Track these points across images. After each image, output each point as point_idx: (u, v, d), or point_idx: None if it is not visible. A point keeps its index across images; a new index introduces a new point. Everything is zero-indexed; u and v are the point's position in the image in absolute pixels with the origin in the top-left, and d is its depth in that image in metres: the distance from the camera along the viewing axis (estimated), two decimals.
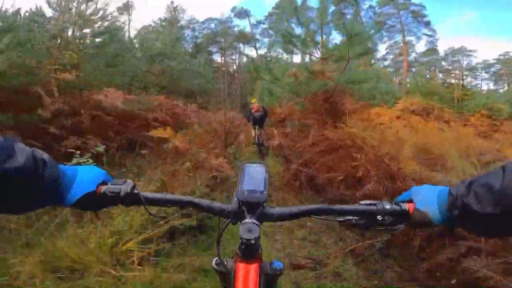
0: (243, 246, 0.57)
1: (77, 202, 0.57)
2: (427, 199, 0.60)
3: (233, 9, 42.08)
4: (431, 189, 0.62)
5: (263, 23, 41.84)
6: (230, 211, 0.62)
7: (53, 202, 0.57)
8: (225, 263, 0.65)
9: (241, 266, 0.58)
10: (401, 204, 0.63)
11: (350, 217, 0.64)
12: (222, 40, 41.43)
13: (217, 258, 0.65)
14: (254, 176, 0.65)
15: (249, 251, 0.58)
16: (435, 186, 0.63)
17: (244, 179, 0.64)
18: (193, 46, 36.97)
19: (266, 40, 41.25)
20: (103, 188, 0.61)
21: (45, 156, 0.53)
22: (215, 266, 0.66)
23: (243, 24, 47.05)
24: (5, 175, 0.45)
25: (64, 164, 0.61)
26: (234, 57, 43.86)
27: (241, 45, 43.01)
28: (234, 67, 44.12)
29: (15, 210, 0.56)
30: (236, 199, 0.61)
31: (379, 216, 0.61)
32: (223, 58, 42.37)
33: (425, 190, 0.62)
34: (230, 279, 0.60)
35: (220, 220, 0.66)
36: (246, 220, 0.58)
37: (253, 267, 0.58)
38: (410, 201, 0.63)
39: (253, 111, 7.56)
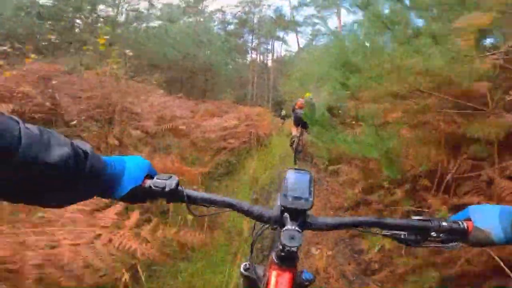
0: (282, 254, 0.58)
1: (125, 196, 0.60)
2: (488, 218, 0.62)
3: None
4: (491, 208, 0.64)
5: (308, 5, 39.62)
6: (271, 217, 0.64)
7: (100, 195, 0.59)
8: (256, 268, 0.71)
9: (276, 274, 0.61)
10: (460, 221, 0.64)
11: (399, 232, 0.64)
12: (254, 22, 39.68)
13: (246, 263, 0.72)
14: (299, 182, 0.66)
15: (288, 259, 0.62)
16: (495, 205, 0.65)
17: (288, 184, 0.65)
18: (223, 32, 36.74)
19: (309, 29, 39.08)
20: (149, 182, 0.63)
21: (88, 147, 0.54)
22: (243, 271, 0.72)
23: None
24: (42, 169, 0.45)
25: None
26: (269, 45, 42.84)
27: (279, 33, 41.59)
28: (269, 57, 43.24)
29: (58, 201, 0.55)
30: (279, 204, 0.63)
31: (434, 233, 0.63)
32: (253, 44, 41.26)
33: (485, 209, 0.64)
34: (258, 285, 0.68)
35: (255, 225, 0.69)
36: (288, 227, 0.58)
37: (288, 276, 0.61)
38: (468, 219, 0.65)
39: (296, 107, 6.60)
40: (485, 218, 0.62)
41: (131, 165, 0.63)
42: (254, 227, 0.69)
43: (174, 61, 10.76)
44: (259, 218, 0.65)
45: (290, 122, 7.15)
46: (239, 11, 39.27)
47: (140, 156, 0.68)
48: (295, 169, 0.71)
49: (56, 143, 0.48)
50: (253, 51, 41.58)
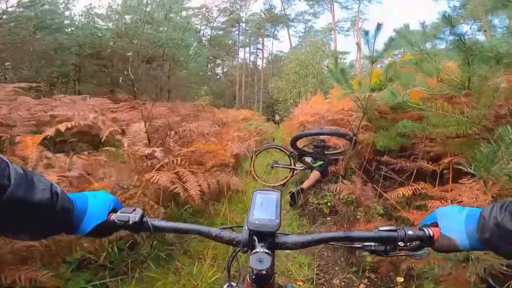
0: (253, 277, 0.58)
1: (90, 232, 0.64)
2: (453, 223, 0.63)
3: None
4: (457, 212, 0.64)
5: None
6: (240, 241, 0.64)
7: (67, 232, 0.63)
8: None
9: None
10: (425, 229, 0.66)
11: (370, 243, 0.66)
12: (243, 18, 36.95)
13: (227, 284, 0.71)
14: (266, 203, 0.68)
15: (260, 282, 0.60)
16: (462, 207, 0.65)
17: (255, 206, 0.67)
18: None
19: (300, 27, 36.81)
20: (113, 216, 0.67)
21: (59, 189, 0.59)
22: None
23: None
24: (26, 205, 0.51)
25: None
26: (259, 44, 39.90)
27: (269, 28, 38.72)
28: (260, 56, 40.37)
29: (32, 236, 0.59)
30: (246, 227, 0.63)
31: (401, 242, 0.64)
32: (239, 46, 38.37)
33: (451, 213, 0.65)
34: None
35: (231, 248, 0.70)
36: (257, 250, 0.60)
37: None
38: (435, 224, 0.66)
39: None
40: (450, 223, 0.63)
41: (95, 202, 0.66)
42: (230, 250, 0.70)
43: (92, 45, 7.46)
44: (229, 242, 0.67)
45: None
46: (227, 7, 36.29)
47: (104, 190, 0.71)
48: (262, 189, 0.73)
49: (39, 184, 0.54)
50: (241, 51, 38.64)
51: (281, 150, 4.86)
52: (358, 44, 32.28)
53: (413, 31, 2.41)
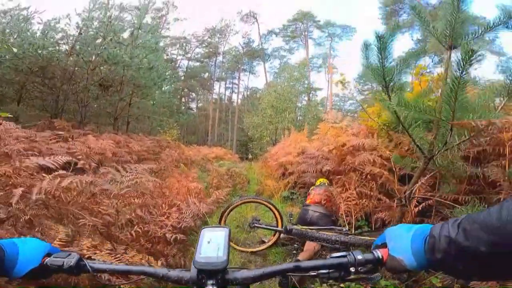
0: None
1: (24, 276, 0.67)
2: (401, 244, 0.63)
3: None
4: (405, 232, 0.64)
5: (277, 35, 38.35)
6: (189, 280, 0.66)
7: (2, 275, 0.66)
8: None
9: None
10: (374, 252, 0.68)
11: (325, 271, 0.67)
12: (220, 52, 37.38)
13: None
14: (214, 240, 0.69)
15: None
16: (410, 226, 0.65)
17: (202, 244, 0.68)
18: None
19: (276, 63, 37.76)
20: (47, 260, 0.69)
21: None
22: None
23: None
24: None
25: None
26: (235, 79, 40.09)
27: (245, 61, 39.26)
28: (236, 91, 40.38)
29: None
30: (193, 266, 0.65)
31: (352, 267, 0.66)
32: (215, 79, 38.35)
33: (399, 234, 0.65)
34: None
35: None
36: None
37: None
38: (385, 245, 0.68)
39: (306, 202, 3.82)
40: (398, 244, 0.64)
41: (26, 248, 0.69)
42: None
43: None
44: (177, 282, 0.67)
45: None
46: (205, 38, 36.67)
47: (37, 238, 0.74)
48: (211, 226, 0.75)
49: None
50: (217, 85, 38.58)
51: (264, 205, 3.70)
52: (329, 81, 33.63)
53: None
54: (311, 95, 29.21)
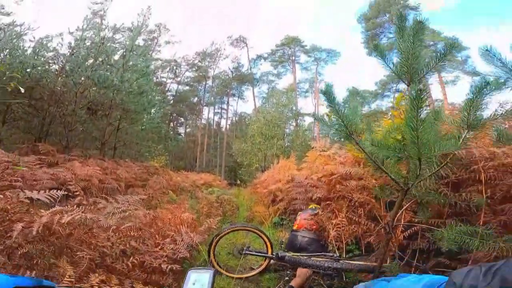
0: None
1: None
2: None
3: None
4: (413, 283, 0.57)
5: (265, 59, 39.44)
6: None
7: None
8: None
9: None
10: None
11: None
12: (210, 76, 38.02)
13: None
14: (198, 281, 0.73)
15: None
16: (420, 276, 0.58)
17: (188, 286, 0.72)
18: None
19: (264, 87, 38.62)
20: None
21: None
22: None
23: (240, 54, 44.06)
24: None
25: None
26: (224, 104, 40.59)
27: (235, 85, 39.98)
28: (224, 116, 40.75)
29: None
30: None
31: None
32: (204, 104, 38.78)
33: (406, 286, 0.59)
34: None
35: None
36: None
37: None
38: None
39: (294, 227, 3.90)
40: None
41: None
42: None
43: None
44: None
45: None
46: (195, 62, 37.38)
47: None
48: (197, 268, 0.79)
49: None
50: (206, 110, 38.92)
51: (254, 233, 3.73)
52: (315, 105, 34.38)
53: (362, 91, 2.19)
54: (298, 120, 29.78)
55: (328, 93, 1.93)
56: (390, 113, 4.34)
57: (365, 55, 32.92)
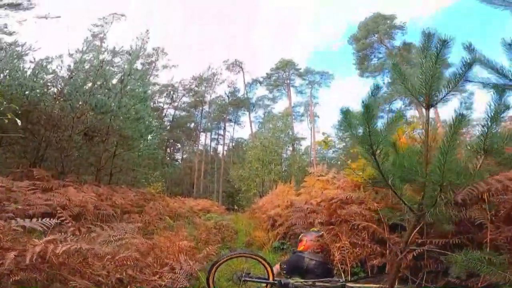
0: None
1: None
2: None
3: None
4: None
5: (261, 84, 40.06)
6: None
7: None
8: None
9: None
10: None
11: None
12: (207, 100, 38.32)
13: None
14: None
15: None
16: None
17: None
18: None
19: (260, 112, 39.01)
20: None
21: None
22: None
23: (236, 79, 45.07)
24: None
25: None
26: (221, 130, 40.79)
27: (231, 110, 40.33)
28: (221, 142, 40.85)
29: None
30: None
31: None
32: (202, 129, 38.95)
33: None
34: None
35: None
36: None
37: None
38: None
39: (299, 248, 3.80)
40: None
41: None
42: None
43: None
44: None
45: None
46: (192, 87, 37.89)
47: None
48: None
49: None
50: (202, 136, 39.06)
51: (254, 259, 3.61)
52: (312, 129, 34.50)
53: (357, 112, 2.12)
54: (295, 145, 29.92)
55: (346, 120, 1.87)
56: (407, 134, 4.38)
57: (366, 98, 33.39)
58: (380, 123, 1.96)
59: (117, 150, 8.86)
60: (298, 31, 58.56)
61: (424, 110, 1.94)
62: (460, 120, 1.46)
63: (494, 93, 1.59)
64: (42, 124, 6.83)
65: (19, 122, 4.96)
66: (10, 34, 8.03)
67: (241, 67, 39.65)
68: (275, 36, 58.69)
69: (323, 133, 10.88)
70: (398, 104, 28.81)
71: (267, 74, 39.01)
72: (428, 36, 1.88)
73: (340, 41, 57.73)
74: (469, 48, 1.99)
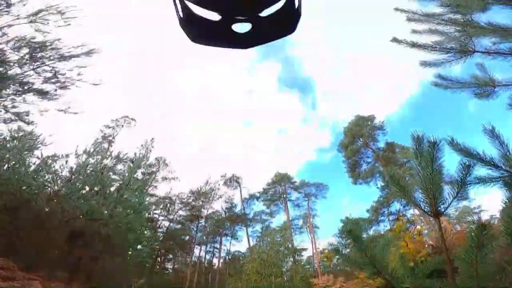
0: None
1: None
2: None
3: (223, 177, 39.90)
4: None
5: (258, 199, 39.95)
6: None
7: None
8: None
9: None
10: None
11: None
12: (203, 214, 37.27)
13: None
14: None
15: None
16: None
17: None
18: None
19: (258, 227, 38.09)
20: None
21: None
22: None
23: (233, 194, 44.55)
24: None
25: None
26: (217, 241, 38.77)
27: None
28: (217, 255, 38.38)
29: None
30: None
31: None
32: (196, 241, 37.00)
33: None
34: None
35: None
36: None
37: None
38: None
39: None
40: None
41: None
42: None
43: None
44: None
45: None
46: (189, 201, 37.59)
47: None
48: None
49: None
50: (197, 249, 36.98)
51: None
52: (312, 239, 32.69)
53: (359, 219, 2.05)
54: (296, 256, 28.17)
55: (353, 231, 1.80)
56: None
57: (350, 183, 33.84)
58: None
59: (102, 255, 8.35)
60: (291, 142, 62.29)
61: (435, 221, 1.89)
62: (484, 229, 1.46)
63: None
64: (29, 221, 6.68)
65: None
66: (29, 123, 8.46)
67: (238, 182, 40.41)
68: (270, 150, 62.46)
69: (323, 249, 10.57)
70: (397, 206, 28.47)
71: (263, 189, 39.65)
72: (417, 140, 1.87)
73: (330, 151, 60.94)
74: (453, 143, 1.99)
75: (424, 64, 3.78)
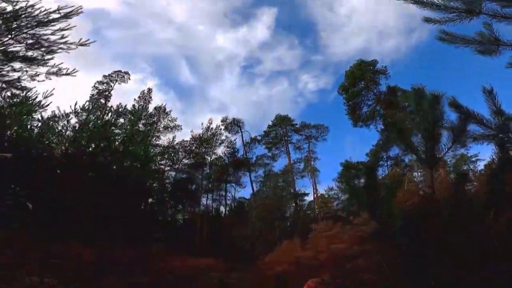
0: None
1: None
2: None
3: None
4: None
5: (259, 142, 40.17)
6: None
7: None
8: None
9: None
10: None
11: None
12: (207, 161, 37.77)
13: None
14: None
15: None
16: None
17: None
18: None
19: (260, 171, 38.97)
20: None
21: None
22: None
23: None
24: None
25: None
26: (222, 189, 40.24)
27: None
28: (223, 203, 40.16)
29: None
30: None
31: None
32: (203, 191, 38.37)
33: None
34: None
35: None
36: None
37: None
38: None
39: None
40: None
41: None
42: None
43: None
44: None
45: None
46: (192, 149, 37.95)
47: None
48: None
49: None
50: (204, 198, 38.32)
51: None
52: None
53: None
54: (298, 201, 29.30)
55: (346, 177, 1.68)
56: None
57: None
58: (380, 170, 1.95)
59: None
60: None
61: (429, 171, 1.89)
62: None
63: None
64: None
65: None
66: (22, 89, 8.32)
67: (239, 127, 40.16)
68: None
69: (321, 195, 10.93)
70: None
71: (264, 132, 39.45)
72: (419, 92, 1.84)
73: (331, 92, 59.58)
74: (455, 105, 2.05)
75: (428, 21, 3.71)
